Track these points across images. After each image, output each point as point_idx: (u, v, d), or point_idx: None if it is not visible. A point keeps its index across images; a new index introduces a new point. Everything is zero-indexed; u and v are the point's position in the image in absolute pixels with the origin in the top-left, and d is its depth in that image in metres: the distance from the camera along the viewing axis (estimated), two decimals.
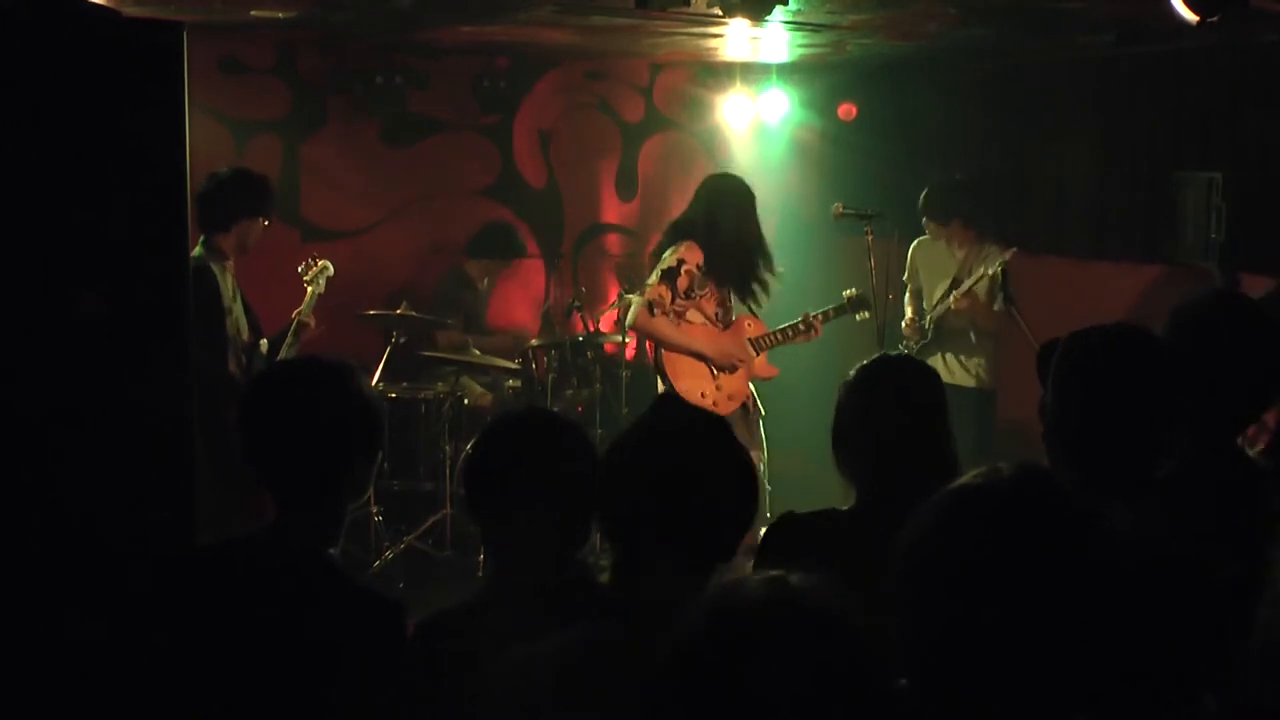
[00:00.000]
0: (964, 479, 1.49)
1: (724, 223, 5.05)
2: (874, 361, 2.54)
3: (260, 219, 5.13)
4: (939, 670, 1.35)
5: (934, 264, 6.06)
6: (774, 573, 1.25)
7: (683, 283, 5.03)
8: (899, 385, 2.47)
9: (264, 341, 5.22)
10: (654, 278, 5.06)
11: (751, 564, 2.37)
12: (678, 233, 5.13)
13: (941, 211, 5.95)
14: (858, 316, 5.55)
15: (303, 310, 5.40)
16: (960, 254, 5.93)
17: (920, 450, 2.35)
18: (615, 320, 7.21)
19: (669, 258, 5.04)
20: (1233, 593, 1.57)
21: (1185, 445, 2.30)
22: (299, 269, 5.55)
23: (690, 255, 5.03)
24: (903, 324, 6.06)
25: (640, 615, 1.78)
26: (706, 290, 5.10)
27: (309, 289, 5.48)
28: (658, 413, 2.00)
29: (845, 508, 2.50)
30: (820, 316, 5.43)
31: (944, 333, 5.94)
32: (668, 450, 1.88)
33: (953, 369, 5.89)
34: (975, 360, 5.90)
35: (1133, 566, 1.67)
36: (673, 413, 2.01)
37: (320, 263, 5.59)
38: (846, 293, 5.53)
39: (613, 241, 8.04)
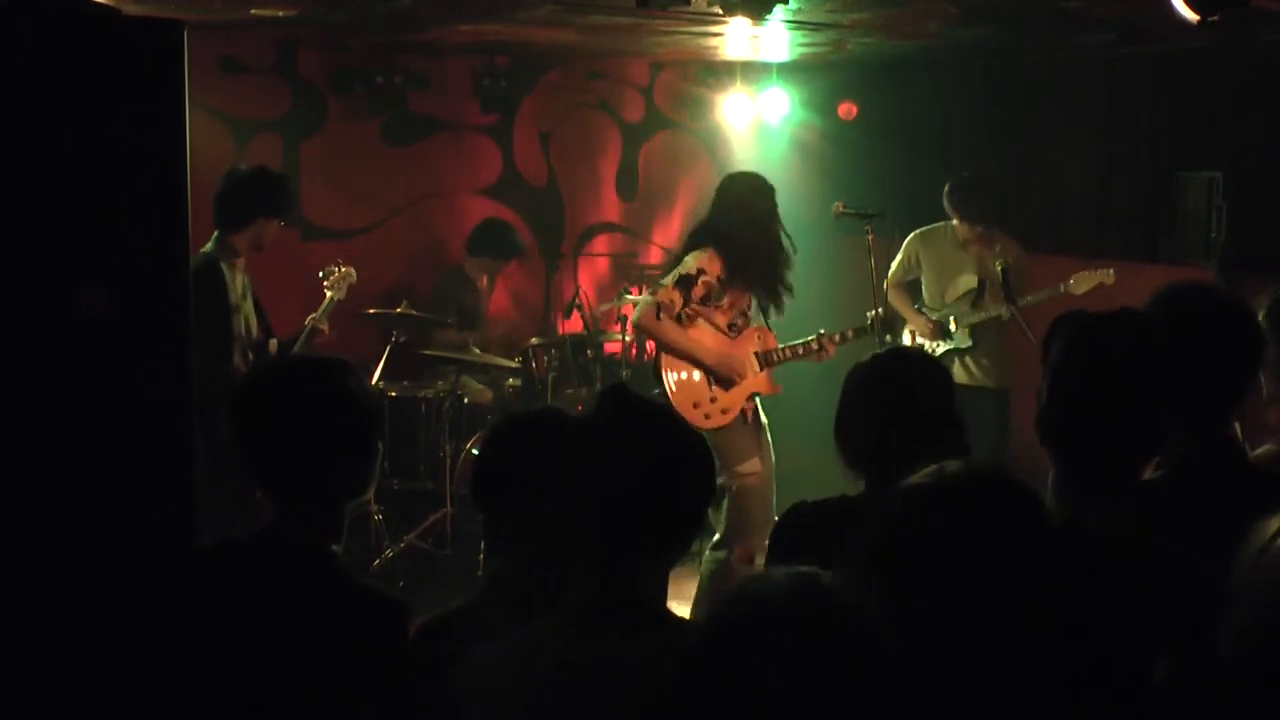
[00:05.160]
0: (913, 479, 1.53)
1: (742, 231, 4.88)
2: (884, 354, 2.71)
3: (276, 220, 5.04)
4: (922, 656, 1.40)
5: (943, 260, 5.95)
6: (803, 569, 1.25)
7: (698, 291, 4.86)
8: (910, 378, 2.58)
9: (274, 341, 5.14)
10: (669, 279, 4.88)
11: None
12: (701, 238, 4.95)
13: (974, 209, 5.80)
14: (884, 340, 5.23)
15: (317, 316, 5.26)
16: (975, 251, 5.83)
17: (931, 438, 2.42)
18: (615, 319, 7.21)
19: (690, 262, 4.86)
20: (1211, 588, 1.59)
21: (1181, 439, 2.30)
22: (319, 274, 5.45)
23: (711, 266, 4.85)
24: (917, 326, 5.92)
25: (622, 611, 1.78)
26: (724, 302, 4.93)
27: (328, 294, 5.36)
28: (599, 409, 1.95)
29: (855, 494, 2.58)
30: (839, 338, 5.19)
31: (963, 334, 5.86)
32: (609, 442, 1.85)
33: (972, 371, 5.82)
34: (991, 362, 5.82)
35: (1103, 561, 1.70)
36: (614, 405, 1.94)
37: (344, 269, 5.46)
38: (871, 314, 5.21)
39: (614, 241, 8.05)
